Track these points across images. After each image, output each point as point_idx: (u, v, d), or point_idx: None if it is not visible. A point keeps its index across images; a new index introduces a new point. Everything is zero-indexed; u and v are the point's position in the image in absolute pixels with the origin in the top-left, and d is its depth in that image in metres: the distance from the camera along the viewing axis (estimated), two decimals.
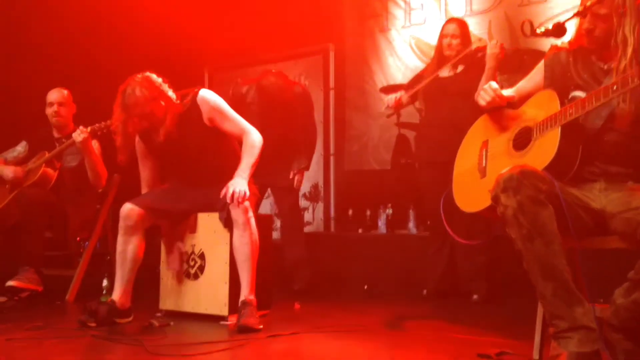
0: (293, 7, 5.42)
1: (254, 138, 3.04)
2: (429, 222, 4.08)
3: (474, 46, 3.59)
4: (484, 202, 2.03)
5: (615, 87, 1.81)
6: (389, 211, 4.68)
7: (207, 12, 5.49)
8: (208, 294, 3.08)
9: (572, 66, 2.08)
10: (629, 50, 1.89)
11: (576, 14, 1.90)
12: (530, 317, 2.13)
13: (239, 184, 2.89)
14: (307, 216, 5.62)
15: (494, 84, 2.21)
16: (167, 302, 3.23)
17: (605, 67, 2.02)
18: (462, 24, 3.79)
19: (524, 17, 4.74)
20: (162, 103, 2.99)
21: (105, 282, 3.43)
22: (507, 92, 2.27)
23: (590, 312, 1.82)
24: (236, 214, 2.88)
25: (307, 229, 5.63)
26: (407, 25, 5.45)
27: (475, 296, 3.65)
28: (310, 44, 5.58)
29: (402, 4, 5.47)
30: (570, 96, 1.98)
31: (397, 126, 4.86)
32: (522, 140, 2.10)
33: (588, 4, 1.86)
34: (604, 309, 2.03)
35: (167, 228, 3.23)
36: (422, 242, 4.13)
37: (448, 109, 3.61)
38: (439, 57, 3.78)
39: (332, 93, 5.62)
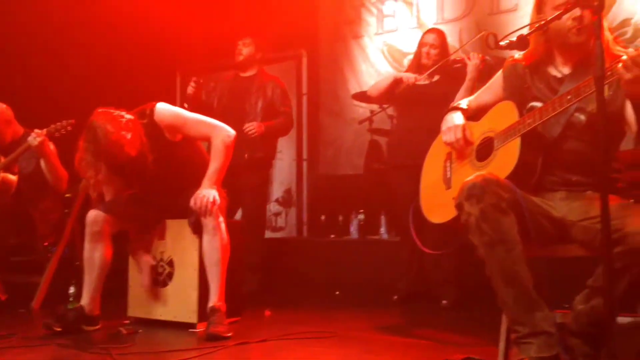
0: (266, 13, 5.44)
1: (220, 140, 2.96)
2: (398, 228, 4.11)
3: (451, 57, 3.66)
4: (450, 212, 2.06)
5: (569, 97, 1.87)
6: (361, 216, 4.71)
7: (180, 15, 5.47)
8: (177, 301, 3.06)
9: (529, 77, 2.14)
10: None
11: (538, 28, 1.94)
12: (499, 323, 2.16)
13: (206, 193, 2.87)
14: (280, 221, 5.63)
15: (460, 133, 2.21)
16: (135, 310, 3.20)
17: (563, 73, 2.07)
18: (441, 35, 3.85)
19: (494, 26, 4.82)
20: (128, 136, 2.82)
21: (72, 289, 3.37)
22: (464, 102, 2.32)
23: (550, 317, 1.86)
24: (206, 218, 2.87)
25: (279, 234, 5.65)
26: (379, 32, 5.51)
27: (444, 301, 3.68)
28: (284, 50, 5.59)
29: (374, 11, 5.52)
30: (528, 106, 2.03)
31: (370, 132, 4.91)
32: (484, 151, 2.15)
33: (548, 18, 1.90)
34: (566, 315, 2.08)
35: (135, 234, 3.19)
36: (394, 248, 4.16)
37: (422, 116, 3.65)
38: (417, 65, 3.83)
39: (305, 98, 5.66)
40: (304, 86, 5.67)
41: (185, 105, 4.04)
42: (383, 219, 4.60)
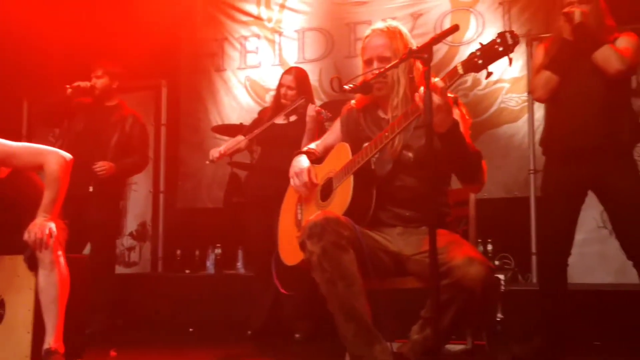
0: (125, 40, 5.27)
1: (54, 165, 2.73)
2: (253, 263, 4.11)
3: (303, 101, 3.76)
4: (300, 255, 2.10)
5: (387, 134, 2.02)
6: (218, 251, 4.65)
7: (31, 38, 5.14)
8: (8, 345, 2.77)
9: (362, 120, 2.28)
10: (401, 90, 2.14)
11: (378, 75, 2.07)
12: None
13: (41, 225, 2.67)
14: (134, 256, 5.38)
15: (305, 177, 2.28)
16: None
17: (388, 116, 2.23)
18: (298, 75, 3.89)
19: (351, 68, 5.06)
20: None
21: None
22: (313, 145, 2.44)
23: (388, 349, 1.95)
24: (42, 252, 2.66)
25: (132, 270, 5.39)
26: (242, 67, 5.56)
27: (297, 335, 3.72)
28: (142, 79, 5.43)
29: (237, 45, 5.57)
30: (362, 147, 2.15)
31: (230, 165, 4.90)
32: (326, 191, 2.25)
33: (387, 66, 2.04)
34: (403, 345, 2.19)
35: None
36: (250, 282, 4.13)
37: (280, 155, 3.70)
38: (276, 104, 3.89)
39: (163, 129, 5.51)
40: (163, 117, 5.52)
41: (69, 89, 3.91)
42: (240, 253, 4.57)
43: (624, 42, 2.78)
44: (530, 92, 3.80)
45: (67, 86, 3.96)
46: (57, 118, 4.13)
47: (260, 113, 4.19)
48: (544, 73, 2.89)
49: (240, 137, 3.97)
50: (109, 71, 4.08)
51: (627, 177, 2.81)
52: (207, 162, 3.91)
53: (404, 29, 2.25)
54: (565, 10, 2.80)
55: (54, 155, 2.77)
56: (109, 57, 4.25)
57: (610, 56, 2.72)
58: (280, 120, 3.84)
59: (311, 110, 3.53)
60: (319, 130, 3.56)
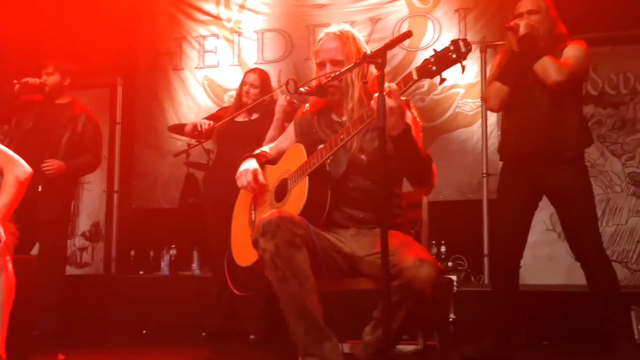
0: (80, 37, 5.15)
1: (13, 175, 2.72)
2: (211, 264, 4.07)
3: (268, 97, 3.77)
4: (254, 255, 2.10)
5: (342, 136, 2.05)
6: (173, 252, 4.59)
7: None
8: None
9: (316, 123, 2.31)
10: (356, 93, 2.18)
11: (333, 78, 2.09)
12: None
13: None
14: (86, 256, 5.27)
15: (250, 176, 2.28)
16: None
17: (342, 119, 2.26)
18: (262, 75, 3.92)
19: (310, 70, 5.08)
20: None
21: None
22: (266, 148, 2.45)
23: (337, 347, 1.97)
24: None
25: (84, 271, 5.28)
26: (200, 67, 5.51)
27: (252, 336, 3.70)
28: (97, 76, 5.32)
29: (196, 45, 5.52)
30: (317, 149, 2.17)
31: (186, 165, 4.84)
32: (281, 191, 2.25)
33: (342, 70, 2.07)
34: (356, 345, 2.21)
35: None
36: (206, 283, 4.10)
37: (239, 153, 3.66)
38: (238, 103, 3.88)
39: (118, 127, 5.41)
40: (119, 115, 5.42)
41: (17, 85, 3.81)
42: (196, 254, 4.52)
43: (569, 51, 2.87)
44: (484, 101, 3.90)
45: (15, 82, 3.85)
46: (5, 115, 4.01)
47: (220, 111, 4.15)
48: (495, 84, 2.99)
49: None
50: (60, 68, 3.98)
51: (575, 182, 2.90)
52: (196, 133, 3.82)
53: (357, 34, 2.28)
54: (510, 24, 2.90)
55: (17, 164, 2.78)
56: (61, 54, 4.15)
57: (548, 68, 2.81)
58: (241, 118, 3.82)
59: (282, 99, 3.53)
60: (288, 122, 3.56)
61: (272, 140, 3.51)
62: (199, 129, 3.78)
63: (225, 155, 3.86)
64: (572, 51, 2.86)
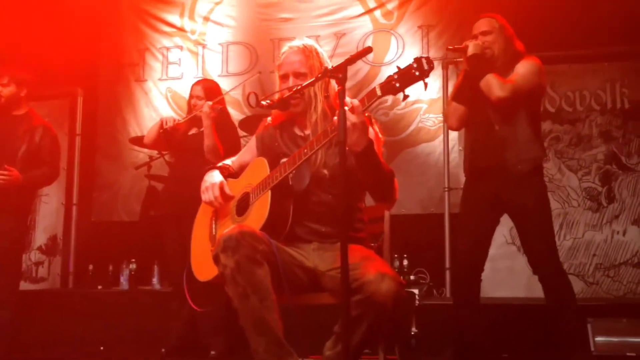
0: (39, 45, 5.04)
1: None
2: (171, 278, 4.00)
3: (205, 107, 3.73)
4: (215, 270, 2.06)
5: (306, 150, 2.05)
6: (133, 266, 4.50)
7: None
8: None
9: (279, 136, 2.30)
10: (319, 106, 2.19)
11: (296, 92, 2.09)
12: None
13: None
14: (42, 271, 5.12)
15: (217, 191, 2.25)
16: None
17: (305, 133, 2.26)
18: (207, 86, 3.88)
19: (274, 83, 5.08)
20: None
21: None
22: (229, 161, 2.43)
23: None
24: None
25: (40, 286, 5.12)
26: (164, 78, 5.46)
27: (212, 352, 3.64)
28: (57, 86, 5.22)
29: (159, 56, 5.47)
30: (280, 162, 2.16)
31: (147, 178, 4.77)
32: (243, 205, 2.24)
33: (305, 83, 2.07)
34: None
35: None
36: (166, 298, 4.02)
37: (193, 165, 3.64)
38: (189, 115, 3.84)
39: (78, 139, 5.29)
40: (78, 126, 5.31)
41: None
42: (156, 269, 4.44)
43: (518, 67, 2.95)
44: (444, 120, 3.98)
45: None
46: None
47: (177, 125, 4.08)
48: (451, 103, 3.10)
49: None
50: (16, 78, 3.85)
51: (532, 196, 2.95)
52: (161, 131, 3.70)
53: (320, 49, 2.30)
54: (459, 45, 3.02)
55: None
56: (19, 62, 4.03)
57: (491, 85, 2.88)
58: (193, 130, 3.80)
59: (206, 107, 3.55)
60: (215, 127, 3.57)
61: (209, 150, 3.51)
62: (164, 125, 3.70)
63: (180, 169, 3.83)
64: (520, 68, 2.94)
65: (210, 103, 3.58)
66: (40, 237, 5.23)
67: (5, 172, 3.65)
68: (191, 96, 3.84)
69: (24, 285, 4.65)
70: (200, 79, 4.31)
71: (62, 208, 5.21)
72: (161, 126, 3.73)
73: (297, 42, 2.27)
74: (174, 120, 3.72)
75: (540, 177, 3.04)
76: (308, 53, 2.23)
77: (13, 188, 3.69)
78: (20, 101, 3.90)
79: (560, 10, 4.41)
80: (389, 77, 1.89)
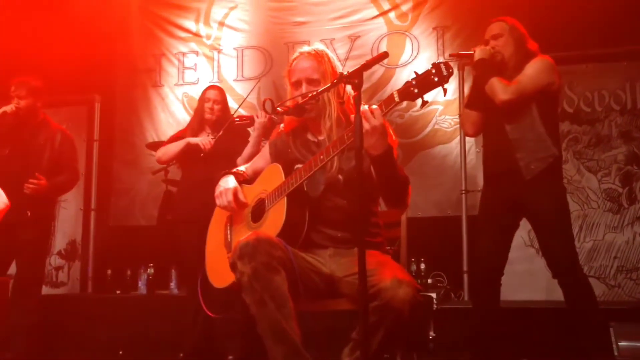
0: (57, 53, 5.09)
1: None
2: (187, 283, 4.01)
3: (236, 114, 3.77)
4: (232, 276, 2.06)
5: (322, 157, 2.04)
6: (150, 271, 4.52)
7: None
8: None
9: (292, 143, 2.29)
10: (334, 112, 2.18)
11: (310, 98, 2.08)
12: None
13: None
14: (62, 276, 5.17)
15: (230, 196, 2.26)
16: None
17: (318, 139, 2.26)
18: (222, 91, 3.95)
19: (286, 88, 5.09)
20: None
21: None
22: (242, 167, 2.42)
23: None
24: None
25: (60, 290, 5.18)
26: (180, 83, 5.49)
27: (230, 357, 3.65)
28: (74, 93, 5.27)
29: (175, 62, 5.50)
30: (294, 169, 2.15)
31: (165, 182, 4.79)
32: (258, 212, 2.23)
33: (320, 89, 2.06)
34: None
35: None
36: (183, 303, 4.03)
37: (205, 170, 3.66)
38: (199, 120, 3.86)
39: (96, 145, 5.35)
40: (96, 132, 5.37)
41: None
42: (174, 273, 4.46)
43: (527, 68, 2.91)
44: (461, 127, 3.96)
45: None
46: None
47: (179, 132, 4.09)
48: (465, 110, 3.10)
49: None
50: (32, 89, 3.84)
51: (548, 198, 2.91)
52: (202, 155, 3.66)
53: (331, 53, 2.29)
54: (465, 52, 3.04)
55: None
56: (33, 72, 4.04)
57: (495, 88, 2.86)
58: (204, 136, 3.81)
59: (262, 116, 3.57)
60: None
61: (251, 156, 3.51)
62: (203, 148, 3.67)
63: (192, 174, 3.85)
64: (528, 68, 2.91)
65: (263, 113, 3.60)
66: (59, 242, 5.28)
67: (35, 181, 3.69)
68: (207, 99, 3.85)
69: (45, 290, 4.69)
70: (215, 83, 4.32)
71: (81, 213, 5.26)
72: (190, 148, 3.70)
73: (308, 48, 2.26)
74: (210, 143, 3.68)
75: (557, 178, 2.98)
76: (320, 58, 2.22)
77: (41, 196, 3.73)
78: (37, 110, 3.94)
79: (577, 9, 4.35)
80: (407, 83, 1.87)
